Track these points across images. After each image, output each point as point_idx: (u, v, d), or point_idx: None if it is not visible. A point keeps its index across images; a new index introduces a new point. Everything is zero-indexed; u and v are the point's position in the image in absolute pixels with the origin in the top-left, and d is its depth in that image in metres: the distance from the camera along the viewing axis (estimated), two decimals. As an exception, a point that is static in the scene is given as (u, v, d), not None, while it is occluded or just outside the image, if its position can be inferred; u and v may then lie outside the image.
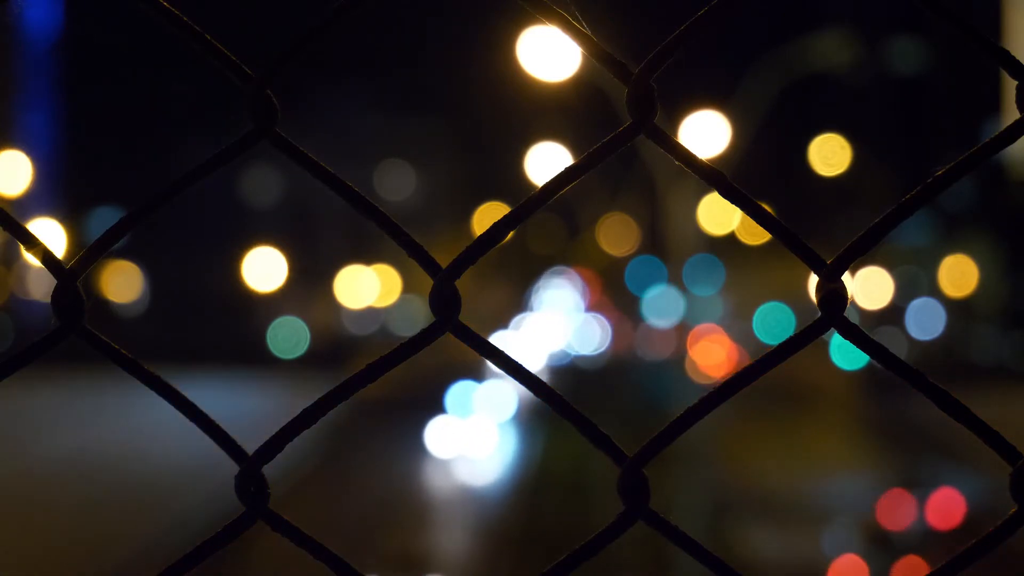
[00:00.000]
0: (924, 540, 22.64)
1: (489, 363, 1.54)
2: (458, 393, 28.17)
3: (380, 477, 28.47)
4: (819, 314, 1.51)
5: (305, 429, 1.54)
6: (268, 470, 1.55)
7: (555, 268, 65.44)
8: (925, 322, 57.58)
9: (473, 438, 26.14)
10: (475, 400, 28.11)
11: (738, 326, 54.13)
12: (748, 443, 31.43)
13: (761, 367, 1.52)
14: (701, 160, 1.51)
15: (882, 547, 21.42)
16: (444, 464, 25.85)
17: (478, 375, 29.04)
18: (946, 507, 25.01)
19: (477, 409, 28.04)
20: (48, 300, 1.54)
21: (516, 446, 27.40)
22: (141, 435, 30.72)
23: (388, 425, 29.69)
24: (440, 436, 26.18)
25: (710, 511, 20.49)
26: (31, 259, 1.62)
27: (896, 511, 22.94)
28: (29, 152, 51.70)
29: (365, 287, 62.17)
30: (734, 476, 26.42)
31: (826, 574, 20.36)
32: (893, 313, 55.89)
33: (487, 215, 53.19)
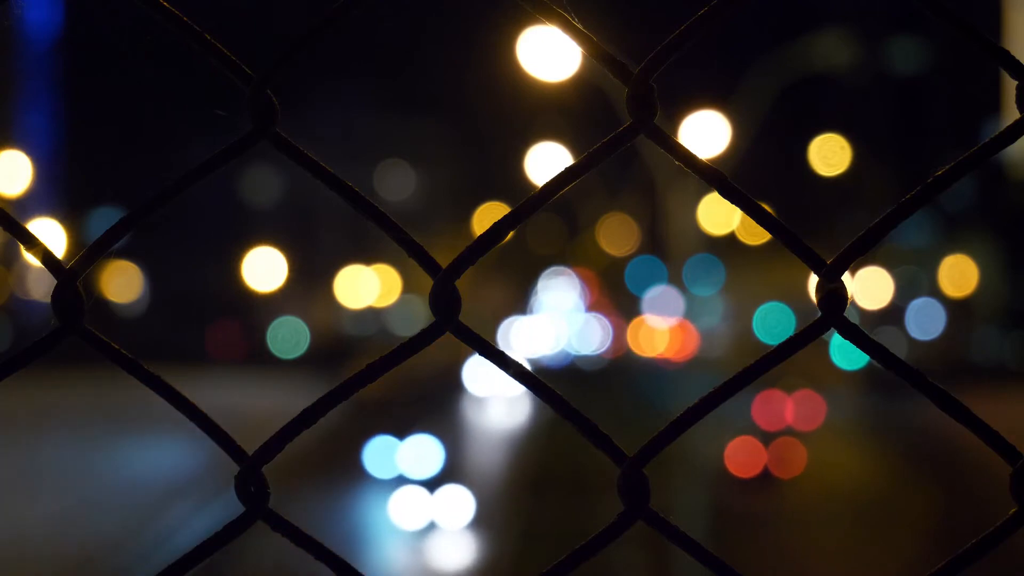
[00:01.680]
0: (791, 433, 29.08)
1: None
2: (377, 451, 24.69)
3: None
4: (819, 314, 1.51)
5: (305, 429, 1.54)
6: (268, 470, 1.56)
7: (555, 268, 65.42)
8: (925, 322, 57.57)
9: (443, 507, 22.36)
10: (397, 458, 24.26)
11: (738, 326, 54.19)
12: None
13: (761, 367, 1.52)
14: (701, 160, 1.51)
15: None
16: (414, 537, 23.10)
17: (399, 430, 25.01)
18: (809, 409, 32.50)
19: (399, 468, 24.01)
20: (48, 300, 1.54)
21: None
22: (140, 435, 30.71)
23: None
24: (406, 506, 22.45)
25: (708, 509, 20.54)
26: (31, 259, 1.62)
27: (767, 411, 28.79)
28: (29, 152, 51.72)
29: (365, 287, 62.17)
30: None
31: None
32: (893, 313, 55.90)
33: (487, 215, 53.20)
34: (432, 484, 22.48)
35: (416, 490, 22.40)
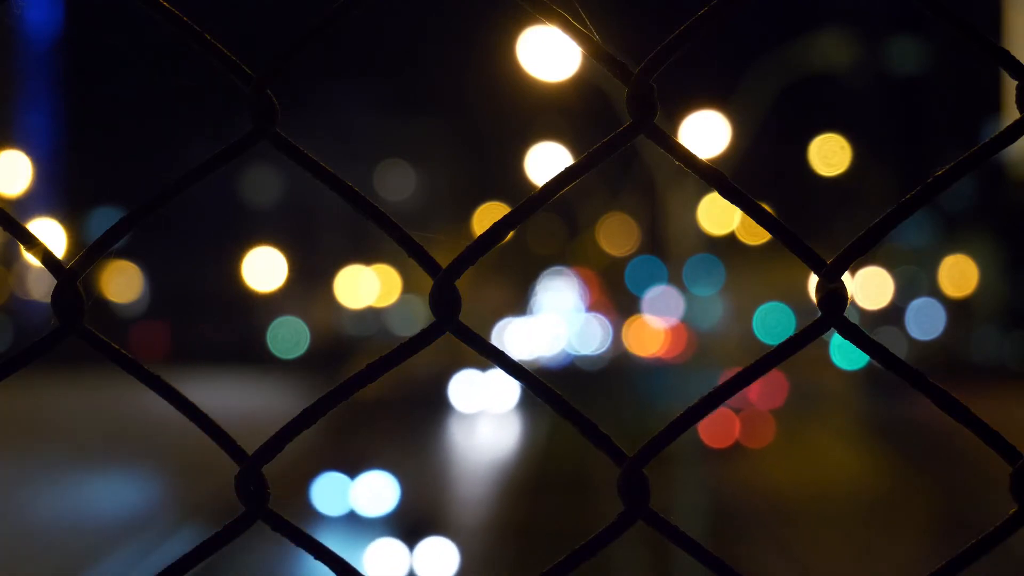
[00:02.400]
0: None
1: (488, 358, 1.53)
2: (327, 488, 22.61)
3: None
4: (819, 314, 1.51)
5: (305, 429, 1.54)
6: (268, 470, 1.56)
7: (555, 268, 65.43)
8: (925, 322, 57.59)
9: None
10: (350, 495, 22.45)
11: (738, 326, 54.23)
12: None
13: (761, 367, 1.52)
14: (701, 160, 1.51)
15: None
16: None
17: (350, 469, 23.02)
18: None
19: (351, 505, 22.27)
20: (48, 300, 1.54)
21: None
22: (139, 435, 30.69)
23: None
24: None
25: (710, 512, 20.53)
26: (31, 259, 1.62)
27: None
28: (29, 152, 51.71)
29: (365, 287, 62.17)
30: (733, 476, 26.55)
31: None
32: (893, 313, 55.92)
33: (487, 215, 53.18)
34: (410, 533, 20.34)
35: (390, 539, 20.12)
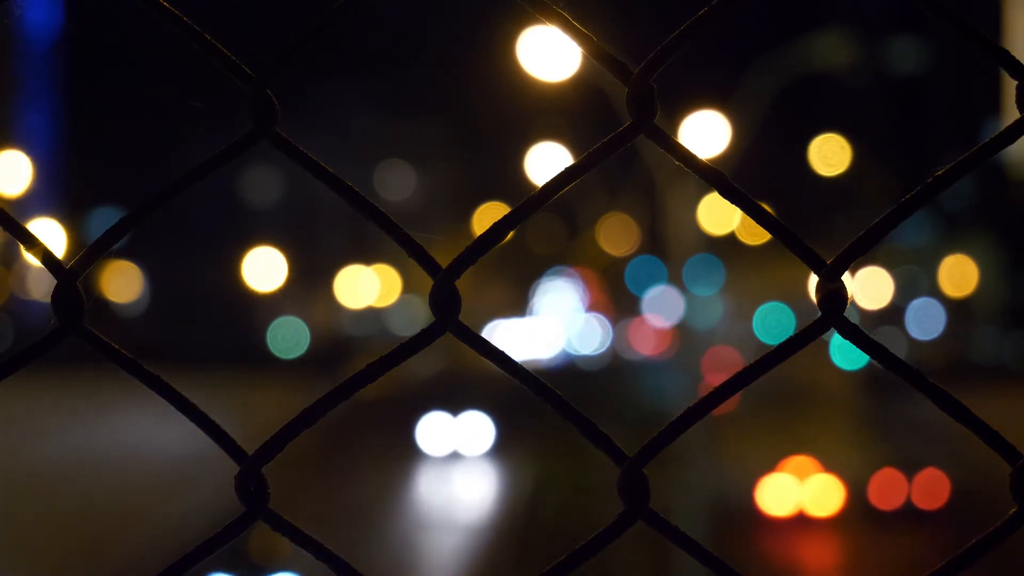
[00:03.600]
0: None
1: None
2: None
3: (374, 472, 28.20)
4: (819, 314, 1.51)
5: (305, 429, 1.54)
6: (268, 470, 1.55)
7: (555, 268, 65.43)
8: (925, 322, 57.59)
9: None
10: None
11: (738, 326, 54.24)
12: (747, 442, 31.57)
13: (761, 367, 1.52)
14: (701, 160, 1.51)
15: None
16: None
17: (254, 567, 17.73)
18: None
19: None
20: (48, 300, 1.54)
21: None
22: (140, 435, 30.65)
23: None
24: None
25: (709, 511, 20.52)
26: (31, 259, 1.62)
27: None
28: (29, 152, 51.72)
29: (365, 287, 62.17)
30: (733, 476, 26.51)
31: None
32: (893, 313, 55.93)
33: (487, 215, 53.19)
34: None
35: None
